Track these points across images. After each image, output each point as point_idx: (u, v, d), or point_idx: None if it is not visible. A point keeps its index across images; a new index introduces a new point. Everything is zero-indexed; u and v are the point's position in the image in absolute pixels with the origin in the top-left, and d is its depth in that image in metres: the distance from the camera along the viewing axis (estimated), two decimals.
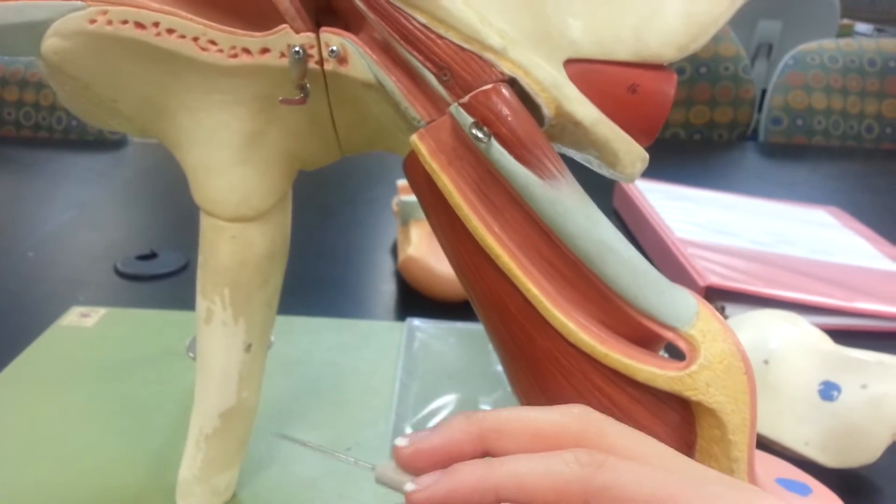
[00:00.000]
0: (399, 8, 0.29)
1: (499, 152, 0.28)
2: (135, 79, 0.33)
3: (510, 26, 0.30)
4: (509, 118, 0.28)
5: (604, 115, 0.30)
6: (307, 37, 0.31)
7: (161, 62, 0.32)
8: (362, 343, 0.57)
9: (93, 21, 0.30)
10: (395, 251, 0.79)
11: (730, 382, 0.29)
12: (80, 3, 0.31)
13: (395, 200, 0.83)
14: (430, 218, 0.33)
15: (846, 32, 2.61)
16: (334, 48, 0.31)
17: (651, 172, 0.99)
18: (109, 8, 0.30)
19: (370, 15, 0.30)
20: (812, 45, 1.34)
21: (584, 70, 0.30)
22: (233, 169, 0.34)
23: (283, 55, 0.31)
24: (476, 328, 0.59)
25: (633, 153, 0.30)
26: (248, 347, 0.37)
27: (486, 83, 0.29)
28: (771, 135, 1.32)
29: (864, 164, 1.20)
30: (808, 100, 1.31)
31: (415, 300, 0.67)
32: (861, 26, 2.77)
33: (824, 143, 1.31)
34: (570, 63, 0.29)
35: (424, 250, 0.69)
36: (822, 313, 0.65)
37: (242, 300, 0.35)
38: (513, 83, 0.29)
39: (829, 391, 0.49)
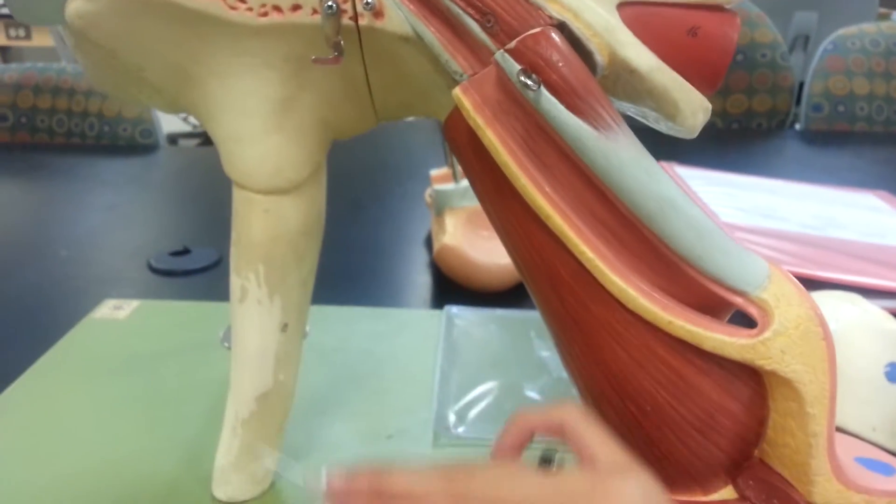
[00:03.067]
0: None
1: (549, 102, 0.26)
2: (162, 44, 0.31)
3: None
4: (560, 64, 0.26)
5: (661, 61, 0.27)
6: None
7: (188, 24, 0.30)
8: (400, 331, 0.56)
9: None
10: (429, 243, 0.77)
11: (807, 349, 0.27)
12: None
13: (428, 192, 0.81)
14: (474, 181, 0.31)
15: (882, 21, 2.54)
16: (369, 1, 0.29)
17: (689, 159, 0.96)
18: None
19: None
20: (852, 28, 1.30)
21: (639, 13, 0.27)
22: (265, 138, 0.32)
23: (315, 11, 0.30)
24: (517, 315, 0.57)
25: (694, 102, 0.28)
26: (285, 327, 0.35)
27: (534, 28, 0.27)
28: (812, 122, 1.28)
29: None
30: (849, 85, 1.27)
31: (451, 290, 0.65)
32: None
33: (867, 129, 1.27)
34: (623, 5, 0.27)
35: (460, 238, 0.67)
36: (881, 296, 0.61)
37: (278, 277, 0.34)
38: (562, 28, 0.27)
39: None
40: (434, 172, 0.76)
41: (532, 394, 0.47)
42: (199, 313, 0.58)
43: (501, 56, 0.27)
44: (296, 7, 0.30)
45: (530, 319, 0.56)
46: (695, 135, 0.29)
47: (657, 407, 0.29)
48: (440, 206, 0.72)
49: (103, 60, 0.33)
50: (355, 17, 0.29)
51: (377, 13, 0.29)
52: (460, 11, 0.28)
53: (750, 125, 1.31)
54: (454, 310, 0.58)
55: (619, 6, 0.27)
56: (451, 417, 0.44)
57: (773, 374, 0.27)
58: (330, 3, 0.29)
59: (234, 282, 0.34)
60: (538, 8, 0.27)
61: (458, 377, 0.49)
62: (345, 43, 0.30)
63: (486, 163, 0.29)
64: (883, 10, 2.48)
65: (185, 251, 0.74)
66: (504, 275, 0.64)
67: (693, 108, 0.28)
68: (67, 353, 0.53)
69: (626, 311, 0.28)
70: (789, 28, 2.11)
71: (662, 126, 0.29)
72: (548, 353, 0.51)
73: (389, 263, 0.73)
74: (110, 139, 1.28)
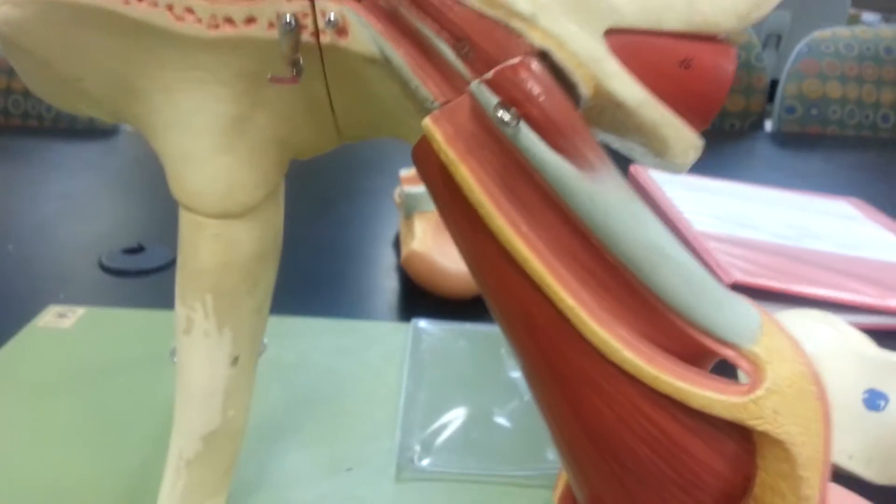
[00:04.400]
0: None
1: (528, 138, 0.24)
2: (101, 55, 0.28)
3: None
4: (541, 98, 0.24)
5: (651, 94, 0.25)
6: (300, 4, 0.26)
7: (130, 35, 0.27)
8: (364, 346, 0.53)
9: None
10: (397, 245, 0.74)
11: (801, 409, 0.25)
12: None
13: (397, 191, 0.78)
14: (445, 215, 0.28)
15: (853, 22, 2.56)
16: (332, 17, 0.26)
17: None
18: None
19: None
20: (826, 32, 1.30)
21: (627, 41, 0.25)
22: (214, 158, 0.29)
23: (271, 25, 0.27)
24: (487, 329, 0.55)
25: (685, 140, 0.26)
26: (235, 360, 0.32)
27: (513, 56, 0.24)
28: (784, 123, 1.27)
29: (881, 154, 1.16)
30: (822, 88, 1.26)
31: (419, 297, 0.63)
32: (868, 16, 2.72)
33: (839, 132, 1.27)
34: (611, 34, 0.25)
35: (429, 244, 0.65)
36: (855, 312, 0.60)
37: (228, 307, 0.31)
38: (544, 56, 0.25)
39: (874, 400, 0.45)
40: (404, 173, 0.73)
41: (501, 420, 0.45)
42: (149, 322, 0.55)
43: (477, 87, 0.24)
44: (250, 20, 0.27)
45: (501, 335, 0.54)
46: (684, 172, 0.27)
47: (639, 464, 0.27)
48: (409, 209, 0.70)
49: (37, 69, 0.30)
50: (316, 34, 0.27)
51: (340, 31, 0.26)
52: (432, 34, 0.25)
53: (723, 126, 1.30)
54: (421, 323, 0.56)
55: (607, 34, 0.25)
56: (416, 447, 0.42)
57: (763, 434, 0.25)
58: (288, 19, 0.26)
59: (180, 311, 0.31)
60: (518, 35, 0.24)
61: (424, 399, 0.46)
62: (304, 60, 0.27)
63: (458, 197, 0.26)
64: (853, 12, 2.50)
65: (139, 248, 0.71)
66: (471, 281, 0.62)
67: (684, 146, 0.26)
68: (4, 366, 0.49)
69: (609, 363, 0.26)
70: (762, 26, 2.11)
71: (649, 161, 0.27)
72: (518, 374, 0.49)
73: (356, 266, 0.70)
74: (68, 122, 1.22)
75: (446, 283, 0.62)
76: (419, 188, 0.70)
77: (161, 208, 0.83)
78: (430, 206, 0.69)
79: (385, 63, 0.26)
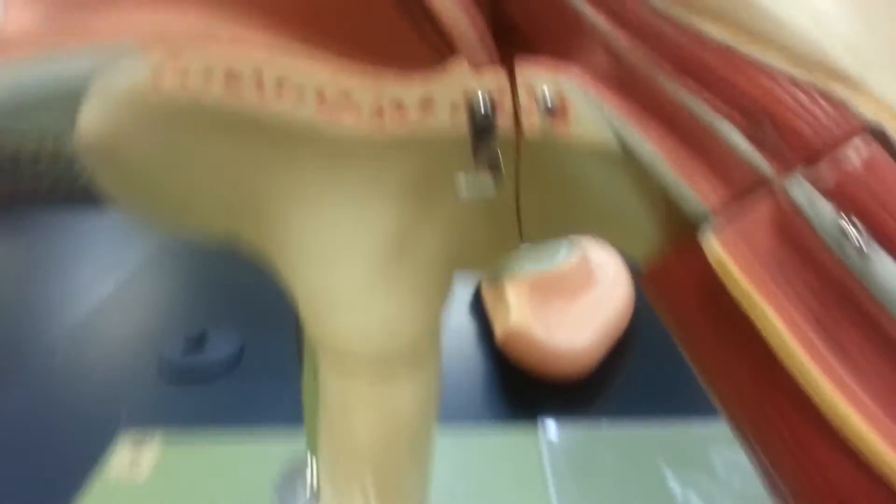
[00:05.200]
0: (675, 19, 0.17)
1: (887, 268, 0.16)
2: (217, 164, 0.21)
3: (854, 34, 0.17)
4: None
5: None
6: (495, 78, 0.19)
7: (261, 137, 0.20)
8: (486, 465, 0.44)
9: (158, 78, 0.19)
10: (477, 311, 0.66)
11: None
12: (132, 47, 0.19)
13: None
14: (701, 352, 0.20)
15: None
16: (546, 95, 0.19)
17: None
18: (183, 54, 0.19)
19: (615, 33, 0.18)
20: None
21: None
22: (371, 290, 0.22)
23: (455, 110, 0.19)
24: (638, 434, 0.46)
25: None
26: None
27: (839, 138, 0.17)
28: None
29: None
30: None
31: (514, 378, 0.55)
32: None
33: None
34: None
35: (528, 316, 0.56)
36: None
37: (393, 488, 0.23)
38: (880, 136, 0.17)
39: None
40: None
41: None
42: (239, 456, 0.46)
43: (797, 185, 0.17)
44: (426, 105, 0.19)
45: (654, 439, 0.45)
46: None
47: None
48: (497, 272, 0.62)
49: (129, 180, 0.23)
50: (517, 121, 0.19)
51: (558, 114, 0.19)
52: (708, 111, 0.17)
53: None
54: (552, 427, 0.47)
55: None
56: None
57: None
58: (481, 100, 0.19)
59: (329, 499, 0.23)
60: (842, 105, 0.17)
61: None
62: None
63: (735, 336, 0.19)
64: None
65: (201, 338, 0.64)
66: (586, 359, 0.54)
67: None
68: None
69: None
70: None
71: None
72: (680, 487, 0.41)
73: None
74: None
75: (558, 364, 0.54)
76: None
77: (221, 286, 0.75)
78: (524, 266, 0.61)
79: (617, 155, 0.19)
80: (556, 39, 0.19)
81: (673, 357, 0.20)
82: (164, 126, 0.20)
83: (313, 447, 0.39)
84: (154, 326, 0.66)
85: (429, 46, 0.20)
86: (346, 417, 0.23)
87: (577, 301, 0.59)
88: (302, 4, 0.20)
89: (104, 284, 0.75)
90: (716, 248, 0.17)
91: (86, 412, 0.53)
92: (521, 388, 0.54)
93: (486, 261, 0.25)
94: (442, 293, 0.24)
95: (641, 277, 0.21)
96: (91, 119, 0.20)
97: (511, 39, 0.20)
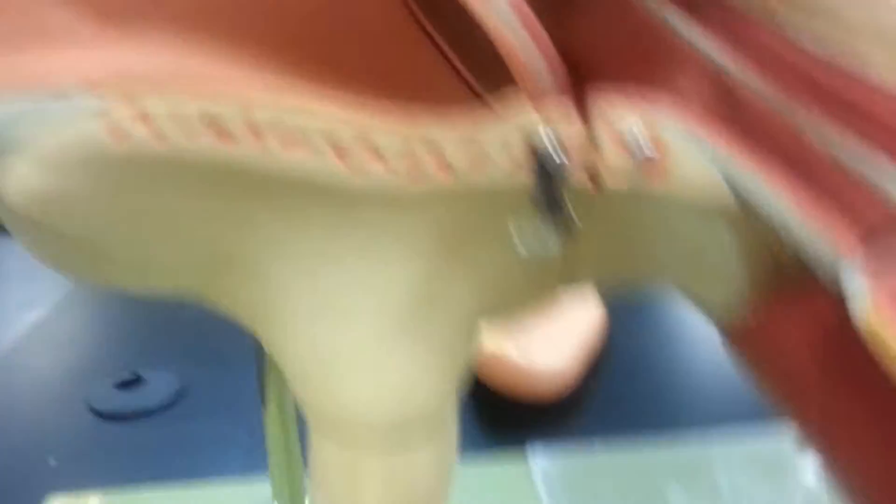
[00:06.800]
0: (816, 49, 0.14)
1: None
2: (191, 224, 0.16)
3: None
4: None
5: None
6: (565, 114, 0.15)
7: (256, 190, 0.15)
8: (480, 497, 0.41)
9: (116, 131, 0.14)
10: None
11: None
12: (86, 95, 0.14)
13: None
14: (815, 411, 0.17)
15: None
16: (639, 139, 0.15)
17: None
18: (150, 100, 0.14)
19: (729, 59, 0.14)
20: None
21: None
22: (387, 354, 0.18)
23: (510, 154, 0.15)
24: (634, 457, 0.43)
25: None
26: None
27: None
28: None
29: None
30: None
31: (494, 403, 0.51)
32: None
33: None
34: None
35: (502, 341, 0.54)
36: None
37: None
38: None
39: None
40: None
41: None
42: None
43: None
44: (472, 147, 0.15)
45: (652, 460, 0.42)
46: None
47: None
48: None
49: (65, 247, 0.18)
50: (594, 174, 0.15)
51: (654, 161, 0.15)
52: (850, 151, 0.14)
53: None
54: (541, 454, 0.44)
55: None
56: None
57: None
58: (551, 147, 0.15)
59: None
60: None
61: None
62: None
63: (859, 381, 0.16)
64: None
65: (135, 380, 0.57)
66: (564, 379, 0.52)
67: None
68: None
69: None
70: None
71: None
72: None
73: None
74: None
75: (537, 385, 0.52)
76: None
77: (157, 322, 0.68)
78: None
79: (720, 202, 0.15)
80: (638, 66, 0.15)
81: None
82: (128, 184, 0.15)
83: (284, 499, 0.35)
84: (77, 365, 0.60)
85: (459, 79, 0.16)
86: (353, 493, 0.19)
87: (551, 321, 0.57)
88: (307, 34, 0.15)
89: (20, 321, 0.67)
90: (870, 311, 0.14)
91: (9, 468, 0.46)
92: (501, 413, 0.51)
93: (518, 309, 0.21)
94: (468, 348, 0.20)
95: (729, 336, 0.17)
96: (18, 179, 0.15)
97: (575, 69, 0.16)
